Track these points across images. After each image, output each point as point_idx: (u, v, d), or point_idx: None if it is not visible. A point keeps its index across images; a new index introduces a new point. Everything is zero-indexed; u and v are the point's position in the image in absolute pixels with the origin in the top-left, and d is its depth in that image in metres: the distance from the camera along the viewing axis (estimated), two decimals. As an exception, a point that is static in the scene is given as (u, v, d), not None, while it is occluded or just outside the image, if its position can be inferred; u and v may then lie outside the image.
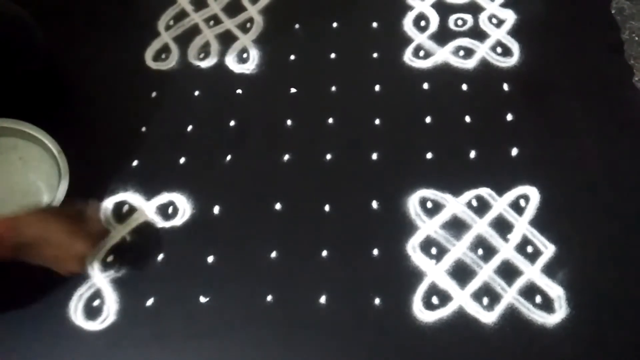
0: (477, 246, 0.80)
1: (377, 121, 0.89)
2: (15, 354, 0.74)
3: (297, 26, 0.97)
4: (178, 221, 0.82)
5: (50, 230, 0.68)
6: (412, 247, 0.80)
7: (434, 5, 0.98)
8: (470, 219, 0.82)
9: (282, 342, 0.75)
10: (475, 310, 0.76)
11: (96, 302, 0.77)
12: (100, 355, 0.74)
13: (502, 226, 0.82)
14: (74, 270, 0.70)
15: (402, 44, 0.95)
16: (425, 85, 0.92)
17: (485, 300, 0.77)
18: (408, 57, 0.94)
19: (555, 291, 0.77)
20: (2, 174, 0.81)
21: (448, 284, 0.78)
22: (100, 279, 0.78)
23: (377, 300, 0.77)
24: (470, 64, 0.93)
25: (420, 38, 0.96)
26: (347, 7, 0.99)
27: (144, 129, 0.89)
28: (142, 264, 0.79)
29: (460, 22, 0.97)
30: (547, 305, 0.77)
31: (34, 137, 0.80)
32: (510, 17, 0.97)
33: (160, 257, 0.80)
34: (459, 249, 0.80)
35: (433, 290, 0.78)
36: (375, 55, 0.94)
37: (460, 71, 0.93)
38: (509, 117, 0.89)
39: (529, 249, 0.80)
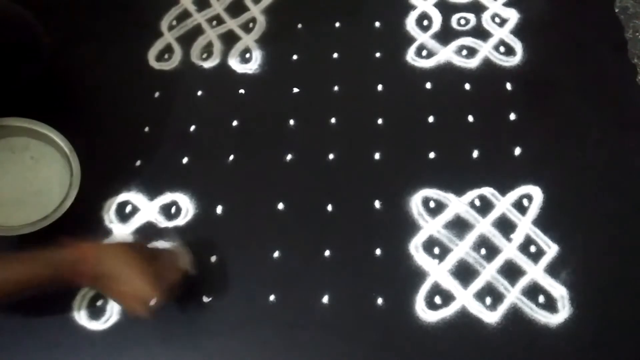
0: (480, 246, 0.80)
1: (379, 121, 0.89)
2: (18, 353, 0.74)
3: (299, 26, 0.97)
4: (181, 221, 0.82)
5: (128, 265, 0.67)
6: (415, 247, 0.80)
7: (436, 5, 0.98)
8: (473, 218, 0.82)
9: (285, 342, 0.75)
10: (478, 310, 0.76)
11: (99, 302, 0.77)
12: (103, 355, 0.75)
13: (505, 226, 0.81)
14: (137, 311, 0.67)
15: (405, 44, 0.95)
16: (428, 85, 0.92)
17: (488, 300, 0.77)
18: (411, 56, 0.94)
19: (558, 291, 0.77)
20: (15, 174, 0.81)
21: (451, 284, 0.78)
22: (103, 278, 0.78)
23: (379, 300, 0.77)
24: (473, 63, 0.93)
25: (423, 37, 0.95)
26: (349, 7, 0.99)
27: (146, 129, 0.89)
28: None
29: (463, 22, 0.97)
30: (550, 305, 0.77)
31: (46, 136, 0.80)
32: (513, 16, 0.97)
33: (164, 256, 0.80)
34: (462, 249, 0.80)
35: (436, 290, 0.78)
36: (377, 54, 0.94)
37: (463, 70, 0.93)
38: (512, 116, 0.89)
39: (532, 248, 0.80)
